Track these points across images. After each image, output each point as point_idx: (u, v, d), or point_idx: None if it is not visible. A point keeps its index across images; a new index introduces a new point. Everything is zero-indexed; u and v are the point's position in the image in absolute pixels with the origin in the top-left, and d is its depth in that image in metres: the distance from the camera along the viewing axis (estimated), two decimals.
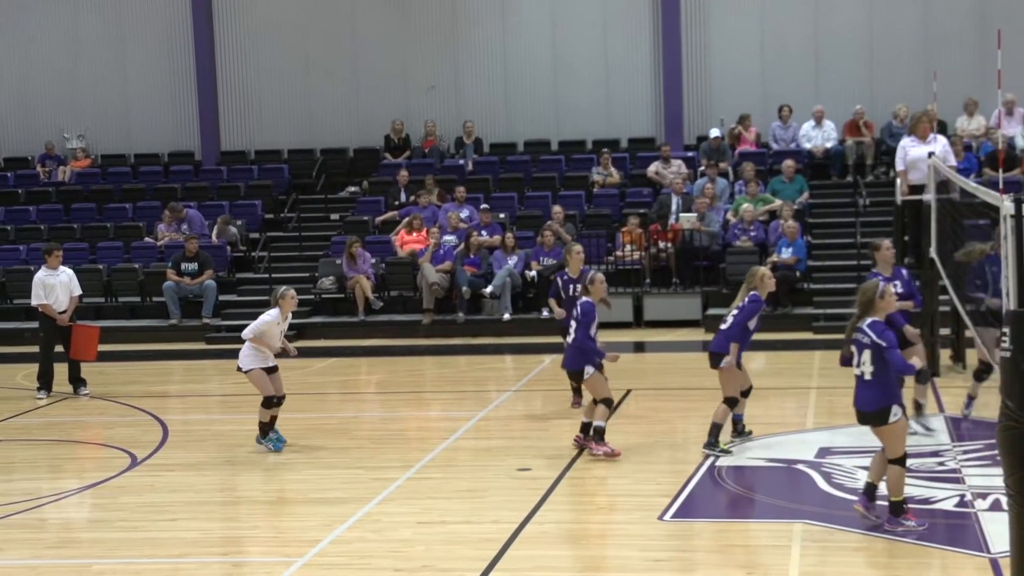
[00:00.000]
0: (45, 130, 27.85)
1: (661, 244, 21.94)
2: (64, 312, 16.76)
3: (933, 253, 15.66)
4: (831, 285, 21.21)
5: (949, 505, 10.15)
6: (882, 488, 9.56)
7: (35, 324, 17.56)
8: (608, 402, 12.04)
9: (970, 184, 13.77)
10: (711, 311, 20.77)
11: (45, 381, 16.71)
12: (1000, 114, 21.51)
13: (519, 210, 23.99)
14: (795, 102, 24.88)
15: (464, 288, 21.38)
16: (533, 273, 21.41)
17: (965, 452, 11.90)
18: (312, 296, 22.44)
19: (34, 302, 16.94)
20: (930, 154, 15.90)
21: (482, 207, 23.02)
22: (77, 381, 16.82)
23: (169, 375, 19.43)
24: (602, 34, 26.24)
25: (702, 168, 23.70)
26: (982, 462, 11.42)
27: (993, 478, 10.34)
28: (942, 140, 16.85)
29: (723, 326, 12.21)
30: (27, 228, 25.03)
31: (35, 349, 17.14)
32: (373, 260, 22.30)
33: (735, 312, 12.12)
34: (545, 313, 17.52)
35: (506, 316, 21.22)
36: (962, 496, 10.37)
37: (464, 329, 21.32)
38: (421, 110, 26.65)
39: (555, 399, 15.02)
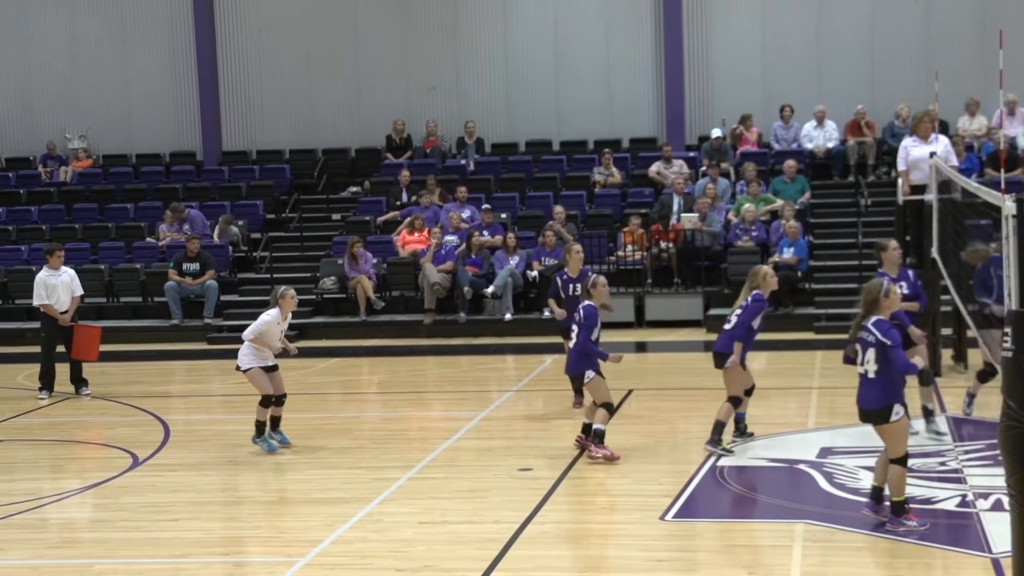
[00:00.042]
0: (47, 130, 27.87)
1: (663, 244, 21.94)
2: (66, 312, 16.76)
3: (935, 253, 15.66)
4: (833, 285, 21.21)
5: (951, 505, 10.14)
6: (886, 489, 9.56)
7: (37, 324, 17.58)
8: (608, 406, 12.00)
9: (972, 184, 13.76)
10: (713, 311, 20.77)
11: (47, 381, 16.71)
12: (1002, 114, 21.50)
13: (520, 210, 23.99)
14: (797, 102, 24.87)
15: (465, 288, 21.38)
16: (535, 273, 21.40)
17: (967, 452, 11.90)
18: (314, 296, 22.45)
19: (36, 302, 16.94)
20: (932, 154, 15.88)
21: (483, 207, 23.02)
22: (79, 381, 16.83)
23: (171, 375, 19.44)
24: (604, 34, 26.24)
25: (704, 168, 23.70)
26: (984, 462, 11.41)
27: (995, 478, 10.33)
28: (944, 140, 16.83)
29: (727, 326, 12.20)
30: (29, 228, 25.04)
31: (37, 349, 17.14)
32: (375, 260, 22.31)
33: (739, 311, 12.12)
34: (546, 313, 17.54)
35: (507, 316, 21.22)
36: (964, 496, 10.36)
37: (465, 329, 21.32)
38: (422, 110, 26.65)
39: (556, 399, 15.02)
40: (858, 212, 22.48)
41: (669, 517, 10.12)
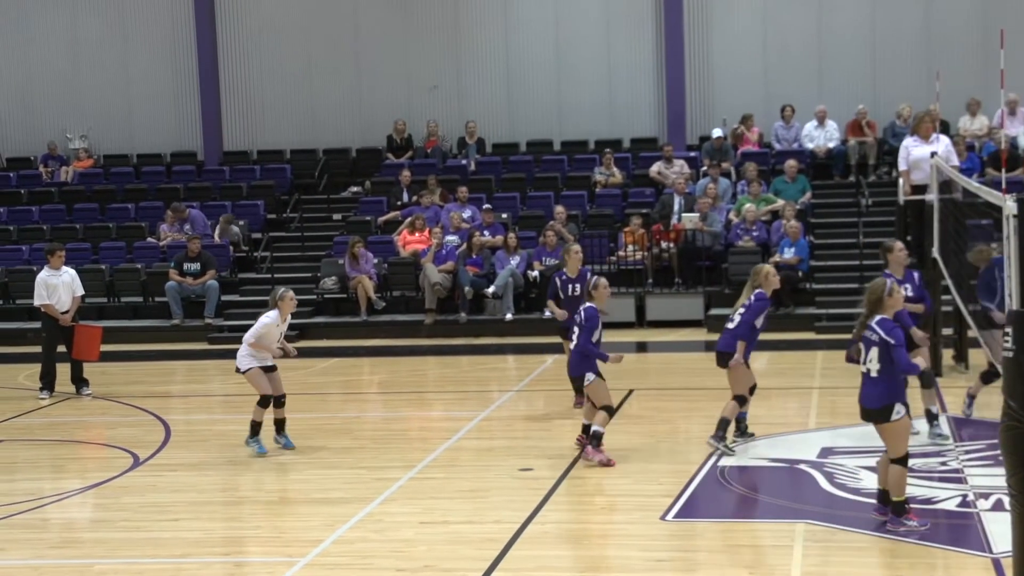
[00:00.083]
0: (48, 130, 27.87)
1: (663, 244, 21.94)
2: (66, 312, 16.76)
3: (936, 253, 15.65)
4: (834, 285, 21.21)
5: (951, 505, 10.14)
6: None
7: (38, 324, 17.60)
8: (609, 409, 11.95)
9: (973, 184, 13.76)
10: (713, 311, 20.77)
11: (47, 381, 16.72)
12: (1003, 114, 21.50)
13: (521, 210, 23.99)
14: (797, 102, 24.87)
15: (466, 288, 21.38)
16: (535, 273, 21.40)
17: (967, 452, 11.89)
18: (314, 296, 22.45)
19: (36, 302, 16.95)
20: (933, 154, 15.88)
21: (484, 207, 23.02)
22: (79, 381, 16.83)
23: (171, 375, 19.44)
24: (605, 34, 26.24)
25: (704, 168, 23.70)
26: (984, 462, 11.41)
27: (995, 478, 10.33)
28: (945, 140, 16.83)
29: (730, 325, 12.20)
30: (30, 228, 25.04)
31: (37, 349, 17.15)
32: (375, 260, 22.31)
33: (742, 311, 12.11)
34: (547, 314, 17.48)
35: (508, 316, 21.22)
36: (964, 496, 10.36)
37: (466, 329, 21.32)
38: (423, 110, 26.65)
39: (557, 399, 15.01)
40: (859, 212, 22.47)
41: (670, 517, 10.12)
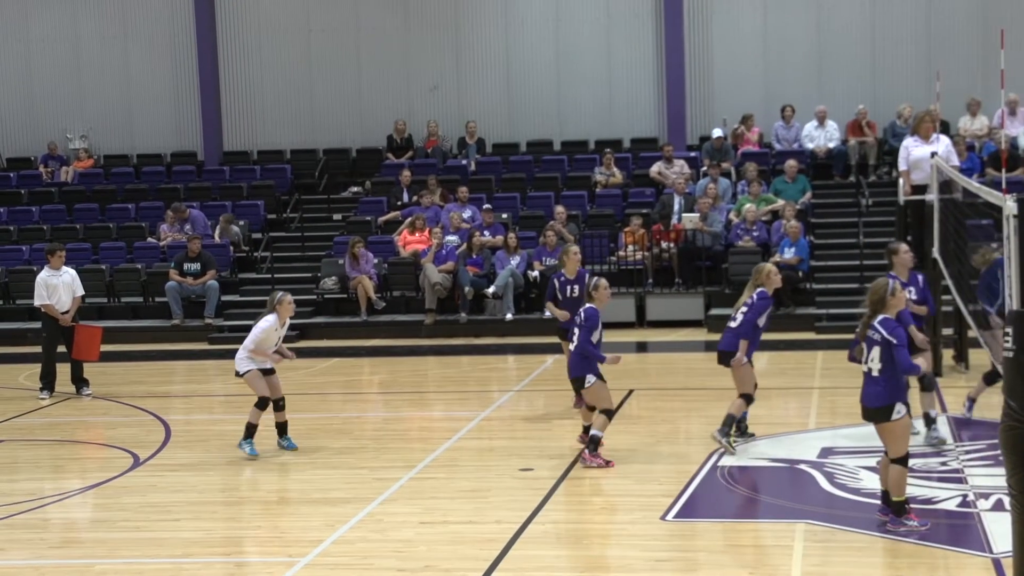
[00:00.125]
0: (48, 130, 27.87)
1: (664, 244, 21.94)
2: (67, 312, 16.76)
3: (936, 253, 15.65)
4: (834, 285, 21.22)
5: (952, 505, 10.15)
6: None
7: (38, 324, 17.60)
8: (609, 413, 11.89)
9: (973, 184, 13.76)
10: (714, 311, 20.78)
11: (48, 381, 16.72)
12: (1003, 114, 21.49)
13: (521, 210, 24.00)
14: (798, 102, 24.88)
15: (466, 288, 21.38)
16: (535, 273, 21.40)
17: (967, 452, 11.90)
18: (315, 296, 22.46)
19: (37, 302, 16.95)
20: (933, 154, 15.88)
21: (484, 207, 23.02)
22: (79, 381, 16.83)
23: (172, 375, 19.44)
24: (605, 34, 26.25)
25: (705, 168, 23.70)
26: (985, 462, 11.41)
27: (996, 478, 10.34)
28: (945, 140, 16.82)
29: (732, 324, 12.20)
30: (30, 228, 25.04)
31: (38, 349, 17.16)
32: (376, 260, 22.31)
33: (744, 309, 12.10)
34: (547, 314, 17.43)
35: (508, 316, 21.22)
36: (965, 496, 10.36)
37: (467, 329, 21.33)
38: (424, 110, 26.66)
39: (558, 399, 15.02)
40: (859, 212, 22.47)
41: (670, 517, 10.12)
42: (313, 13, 27.10)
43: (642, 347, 20.01)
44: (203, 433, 14.35)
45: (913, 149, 16.30)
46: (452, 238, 22.52)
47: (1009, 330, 7.34)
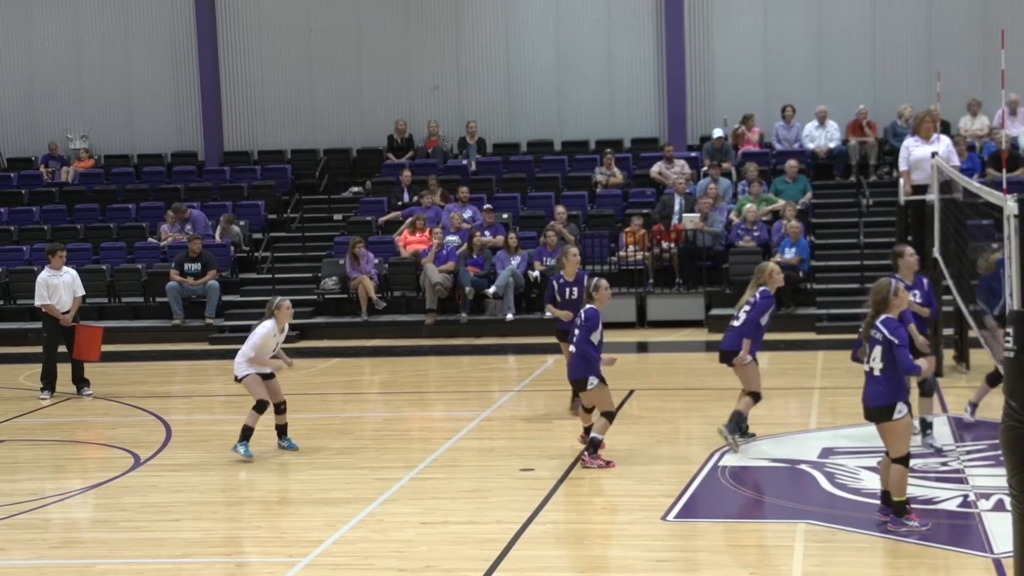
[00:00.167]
0: (49, 130, 27.88)
1: (664, 244, 21.94)
2: (67, 312, 16.77)
3: (936, 253, 15.65)
4: (834, 285, 21.22)
5: (952, 505, 10.14)
6: None
7: (38, 324, 17.60)
8: (609, 415, 11.84)
9: (973, 184, 13.76)
10: (714, 311, 20.78)
11: (48, 381, 16.72)
12: (1004, 114, 21.48)
13: (522, 210, 24.00)
14: (798, 102, 24.88)
15: (467, 288, 21.38)
16: (536, 273, 21.40)
17: (968, 452, 11.89)
18: (315, 296, 22.46)
19: (37, 302, 16.95)
20: (933, 154, 15.88)
21: (485, 207, 23.02)
22: (80, 381, 16.83)
23: (172, 375, 19.45)
24: (605, 34, 26.24)
25: (705, 168, 23.70)
26: (985, 462, 11.41)
27: (996, 478, 10.34)
28: (945, 140, 16.82)
29: (735, 323, 12.20)
30: (30, 228, 25.05)
31: (38, 349, 17.16)
32: (376, 260, 22.31)
33: (747, 308, 12.10)
34: (548, 315, 17.44)
35: (509, 316, 21.22)
36: (965, 496, 10.36)
37: (467, 329, 21.33)
38: (424, 110, 26.66)
39: (558, 399, 15.01)
40: (860, 212, 22.47)
41: (671, 517, 10.12)
42: (314, 13, 27.10)
43: (643, 347, 20.01)
44: (204, 433, 14.35)
45: (914, 149, 16.30)
46: (453, 238, 22.52)
47: (1010, 330, 7.34)
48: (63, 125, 27.93)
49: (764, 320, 12.12)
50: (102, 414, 15.80)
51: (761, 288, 12.11)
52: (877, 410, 9.36)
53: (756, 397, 12.22)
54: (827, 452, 12.01)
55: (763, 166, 23.57)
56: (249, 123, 27.57)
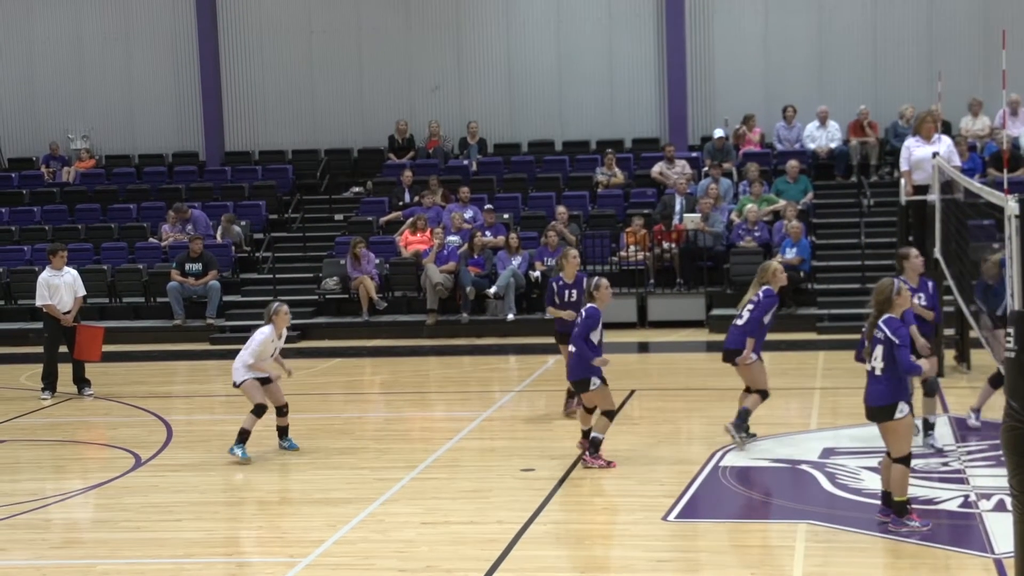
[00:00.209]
0: (49, 131, 27.89)
1: (665, 244, 21.94)
2: (68, 313, 16.77)
3: (937, 254, 15.64)
4: (835, 285, 21.22)
5: (953, 505, 10.14)
6: None
7: (39, 325, 17.59)
8: (610, 414, 11.82)
9: (974, 184, 13.76)
10: (715, 311, 20.78)
11: (49, 382, 16.72)
12: (1005, 114, 21.48)
13: (523, 210, 24.00)
14: (799, 102, 24.87)
15: (468, 288, 21.38)
16: (537, 273, 21.40)
17: (969, 452, 11.89)
18: (316, 296, 22.47)
19: (38, 303, 16.96)
20: (934, 154, 15.87)
21: (486, 207, 23.02)
22: (81, 382, 16.83)
23: (173, 375, 19.45)
24: (606, 34, 26.24)
25: (706, 168, 23.70)
26: (986, 462, 11.41)
27: (997, 478, 10.33)
28: (946, 140, 16.81)
29: (739, 322, 12.19)
30: (31, 229, 25.06)
31: (39, 350, 17.16)
32: (377, 260, 22.31)
33: (750, 307, 12.10)
34: (548, 316, 17.41)
35: (510, 316, 21.22)
36: (966, 496, 10.36)
37: (468, 329, 21.33)
38: (425, 110, 26.66)
39: (559, 400, 14.97)
40: (861, 212, 22.46)
41: (671, 517, 10.12)
42: (314, 13, 27.10)
43: (643, 347, 20.01)
44: (204, 433, 14.35)
45: (915, 149, 16.30)
46: (453, 238, 22.52)
47: (1011, 331, 7.34)
48: (64, 125, 27.93)
49: (767, 319, 12.12)
50: (103, 414, 15.81)
51: (764, 287, 12.11)
52: (878, 409, 9.36)
53: (764, 395, 12.23)
54: (828, 452, 12.01)
55: (764, 166, 23.56)
56: (250, 123, 27.57)
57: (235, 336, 19.70)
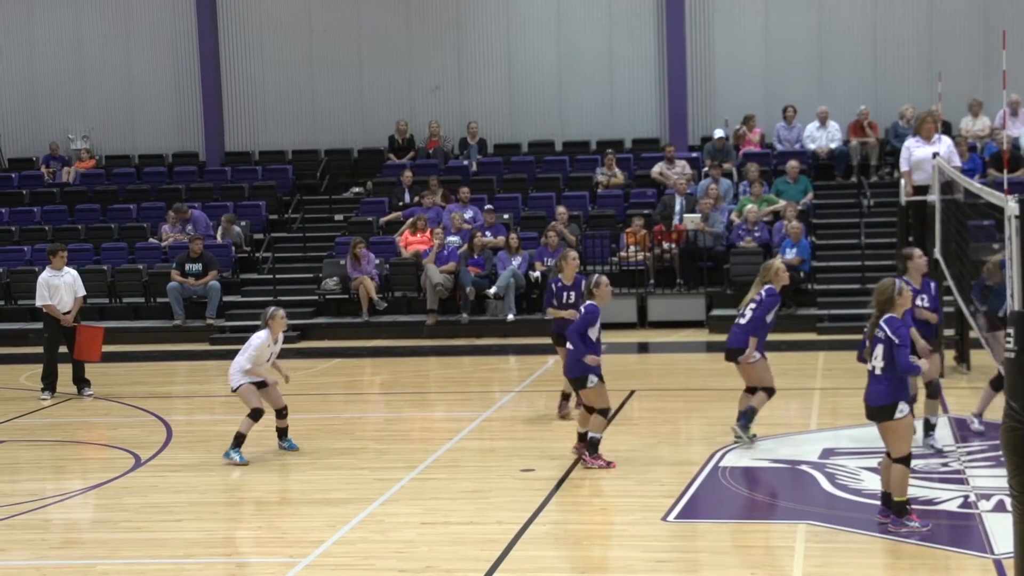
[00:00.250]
0: (50, 131, 27.89)
1: (665, 245, 21.94)
2: (68, 313, 16.77)
3: (937, 254, 15.64)
4: (835, 286, 21.22)
5: (953, 506, 10.14)
6: None
7: (39, 325, 17.59)
8: (605, 412, 11.80)
9: (974, 185, 13.76)
10: (715, 312, 20.78)
11: (49, 382, 16.72)
12: (1005, 114, 21.48)
13: (523, 211, 23.99)
14: (799, 103, 24.87)
15: (468, 289, 21.38)
16: (537, 274, 21.40)
17: (969, 453, 11.89)
18: (316, 297, 22.47)
19: (38, 303, 16.96)
20: (935, 155, 15.87)
21: (486, 208, 23.02)
22: (81, 382, 16.83)
23: (173, 376, 19.45)
24: (606, 35, 26.24)
25: (706, 169, 23.70)
26: (986, 463, 11.41)
27: (997, 479, 10.34)
28: (946, 140, 16.81)
29: (741, 321, 12.19)
30: (31, 229, 25.05)
31: (39, 350, 17.15)
32: (377, 261, 22.31)
33: (752, 306, 12.10)
34: (548, 317, 17.37)
35: (510, 317, 21.22)
36: (966, 497, 10.36)
37: (468, 330, 21.33)
38: (425, 111, 26.66)
39: (559, 400, 14.98)
40: (861, 213, 22.46)
41: (671, 518, 10.12)
42: (315, 13, 27.10)
43: (643, 348, 20.01)
44: (204, 434, 14.34)
45: (915, 150, 16.29)
46: (453, 239, 22.51)
47: (1011, 331, 7.34)
48: (64, 125, 27.93)
49: (770, 318, 12.12)
50: (103, 414, 15.81)
51: (767, 286, 12.11)
52: (878, 409, 9.36)
53: (770, 392, 12.23)
54: (828, 453, 12.01)
55: (764, 166, 23.56)
56: (250, 123, 27.57)
57: (235, 336, 19.69)
